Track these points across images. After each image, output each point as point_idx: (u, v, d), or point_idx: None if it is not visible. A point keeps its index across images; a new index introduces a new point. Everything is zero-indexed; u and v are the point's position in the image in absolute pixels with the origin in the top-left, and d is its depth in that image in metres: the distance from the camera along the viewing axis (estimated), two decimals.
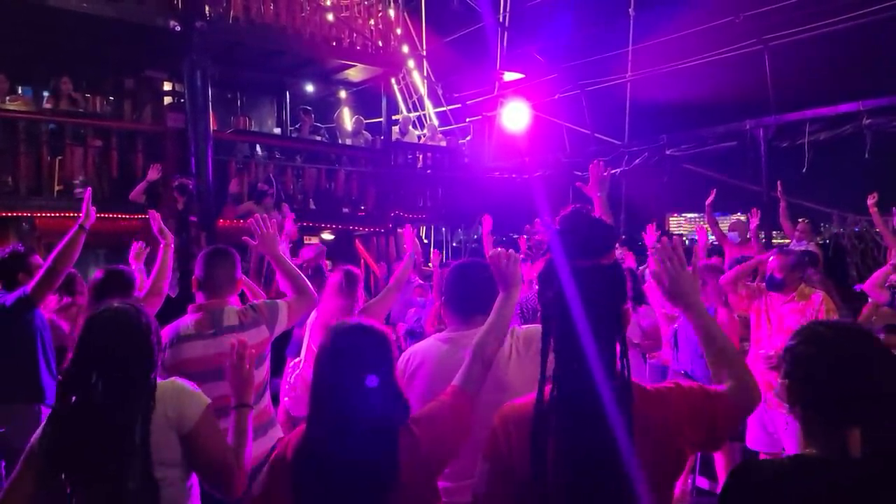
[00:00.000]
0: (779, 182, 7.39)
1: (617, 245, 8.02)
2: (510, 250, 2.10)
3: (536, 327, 1.93)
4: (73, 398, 1.95)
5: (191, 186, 7.65)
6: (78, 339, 2.03)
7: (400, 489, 1.68)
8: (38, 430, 1.97)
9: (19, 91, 9.27)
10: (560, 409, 1.52)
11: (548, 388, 1.56)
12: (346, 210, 10.50)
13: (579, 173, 9.18)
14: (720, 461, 4.83)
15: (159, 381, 2.03)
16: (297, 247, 8.61)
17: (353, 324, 1.86)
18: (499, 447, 1.60)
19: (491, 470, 1.61)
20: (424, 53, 12.93)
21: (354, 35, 10.31)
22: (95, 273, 3.41)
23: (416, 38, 12.76)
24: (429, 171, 11.52)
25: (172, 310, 3.23)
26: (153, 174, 7.85)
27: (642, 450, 1.46)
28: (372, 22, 10.70)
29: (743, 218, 7.46)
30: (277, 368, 3.87)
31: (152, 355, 2.02)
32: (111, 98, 9.75)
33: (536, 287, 1.75)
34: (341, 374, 1.74)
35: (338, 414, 1.72)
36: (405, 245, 3.09)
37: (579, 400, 1.51)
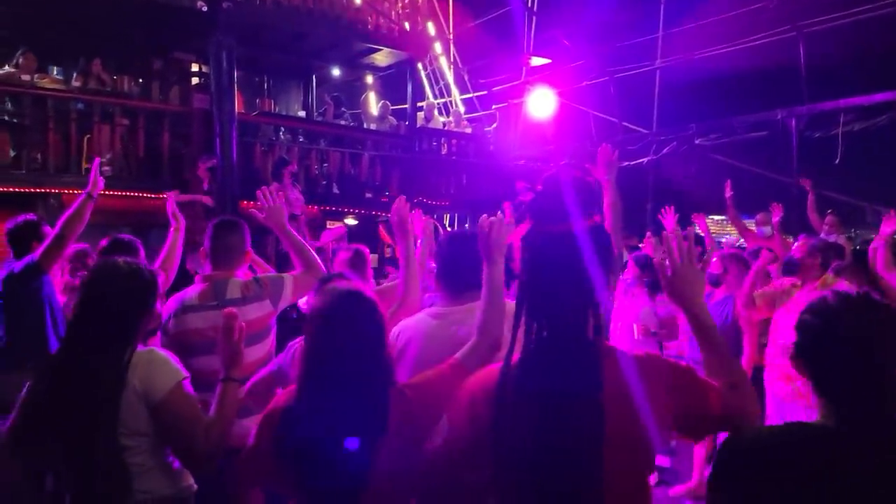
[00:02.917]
0: (808, 180, 7.13)
1: (649, 233, 7.88)
2: (497, 215, 1.99)
3: None
4: (56, 354, 1.95)
5: (216, 163, 7.72)
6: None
7: (388, 453, 1.66)
8: (23, 391, 1.98)
9: (53, 72, 9.43)
10: (523, 375, 1.47)
11: (515, 357, 1.50)
12: (369, 195, 10.49)
13: None
14: None
15: (138, 350, 2.00)
16: (319, 230, 8.64)
17: (342, 287, 1.85)
18: (461, 410, 1.56)
19: (450, 431, 1.56)
20: (451, 38, 12.83)
21: (381, 18, 10.26)
22: (101, 241, 3.43)
23: (443, 22, 12.65)
24: (453, 158, 11.45)
25: None
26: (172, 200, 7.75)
27: (613, 415, 1.40)
28: (399, 5, 10.64)
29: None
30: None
31: (134, 312, 1.99)
32: (139, 80, 9.86)
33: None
34: (329, 334, 1.74)
35: (325, 373, 1.71)
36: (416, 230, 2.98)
37: (544, 366, 1.46)
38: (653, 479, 4.77)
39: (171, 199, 3.80)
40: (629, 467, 1.44)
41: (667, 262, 1.63)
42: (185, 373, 2.02)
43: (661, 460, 4.93)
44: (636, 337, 4.83)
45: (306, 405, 1.72)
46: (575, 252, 1.49)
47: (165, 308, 2.89)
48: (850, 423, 1.33)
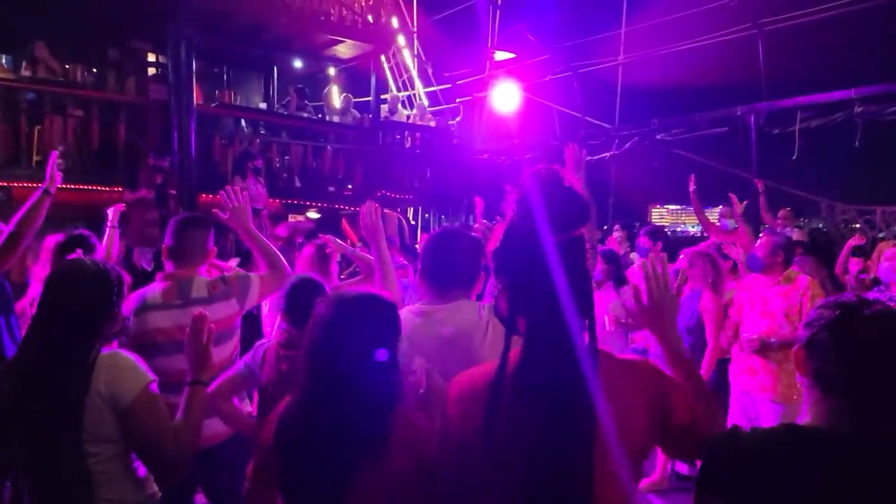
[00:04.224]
0: (760, 181, 7.25)
1: (618, 227, 7.98)
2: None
3: None
4: (15, 358, 1.86)
5: (166, 165, 7.54)
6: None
7: (384, 473, 1.61)
8: None
9: (2, 60, 9.06)
10: (521, 376, 1.44)
11: (512, 357, 1.47)
12: (332, 189, 10.38)
13: None
14: None
15: (102, 352, 1.92)
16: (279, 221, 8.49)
17: (357, 293, 1.80)
18: (451, 414, 1.53)
19: (442, 435, 1.53)
20: (415, 30, 12.74)
21: (343, 10, 10.13)
22: (57, 236, 3.30)
23: (406, 15, 12.56)
24: (417, 152, 11.39)
25: (146, 283, 3.14)
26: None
27: (605, 417, 1.40)
28: None
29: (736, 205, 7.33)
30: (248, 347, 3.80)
31: (98, 313, 1.92)
32: (94, 69, 9.55)
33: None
34: (338, 342, 1.68)
35: (329, 386, 1.66)
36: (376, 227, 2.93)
37: (542, 368, 1.43)
38: (670, 485, 4.87)
39: (113, 210, 3.92)
40: (617, 470, 1.42)
41: (643, 290, 1.61)
42: (151, 376, 1.95)
43: (681, 467, 4.98)
44: (608, 328, 4.88)
45: (302, 410, 1.69)
46: (578, 261, 1.48)
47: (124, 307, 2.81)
48: (865, 428, 1.29)
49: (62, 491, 1.82)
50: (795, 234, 7.22)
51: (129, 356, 1.96)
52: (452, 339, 2.08)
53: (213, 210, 3.06)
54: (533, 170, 1.56)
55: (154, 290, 2.87)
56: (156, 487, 2.03)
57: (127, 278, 2.04)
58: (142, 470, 1.98)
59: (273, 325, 3.48)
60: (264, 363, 2.55)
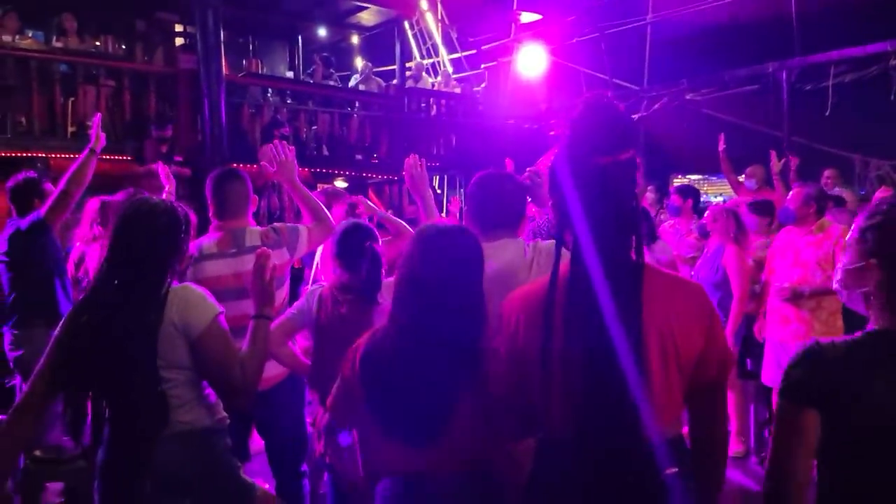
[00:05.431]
0: (793, 158, 7.05)
1: (651, 188, 7.93)
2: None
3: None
4: (91, 293, 1.96)
5: (169, 134, 7.63)
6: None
7: (474, 406, 1.68)
8: (58, 327, 1.99)
9: (30, 35, 9.18)
10: (572, 292, 1.50)
11: (562, 271, 1.53)
12: (359, 157, 10.41)
13: None
14: (731, 399, 4.84)
15: (173, 286, 2.02)
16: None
17: (447, 225, 1.90)
18: (508, 329, 1.60)
19: (504, 352, 1.61)
20: None
21: None
22: (97, 199, 3.43)
23: None
24: (443, 119, 11.35)
25: None
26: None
27: (654, 328, 1.47)
28: None
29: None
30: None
31: (170, 248, 2.01)
32: (123, 42, 9.65)
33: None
34: (433, 272, 1.73)
35: (426, 314, 1.72)
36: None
37: (591, 284, 1.48)
38: None
39: (163, 170, 4.04)
40: (664, 379, 1.48)
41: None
42: (220, 307, 2.06)
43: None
44: None
45: (398, 340, 1.75)
46: (622, 183, 1.52)
47: None
48: None
49: (140, 414, 1.93)
50: (845, 195, 7.04)
51: (198, 289, 2.07)
52: (498, 274, 2.14)
53: (262, 163, 3.14)
54: (585, 96, 1.60)
55: (209, 240, 2.98)
56: (224, 413, 2.14)
57: (193, 217, 2.13)
58: (213, 397, 2.10)
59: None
60: (320, 307, 2.64)
